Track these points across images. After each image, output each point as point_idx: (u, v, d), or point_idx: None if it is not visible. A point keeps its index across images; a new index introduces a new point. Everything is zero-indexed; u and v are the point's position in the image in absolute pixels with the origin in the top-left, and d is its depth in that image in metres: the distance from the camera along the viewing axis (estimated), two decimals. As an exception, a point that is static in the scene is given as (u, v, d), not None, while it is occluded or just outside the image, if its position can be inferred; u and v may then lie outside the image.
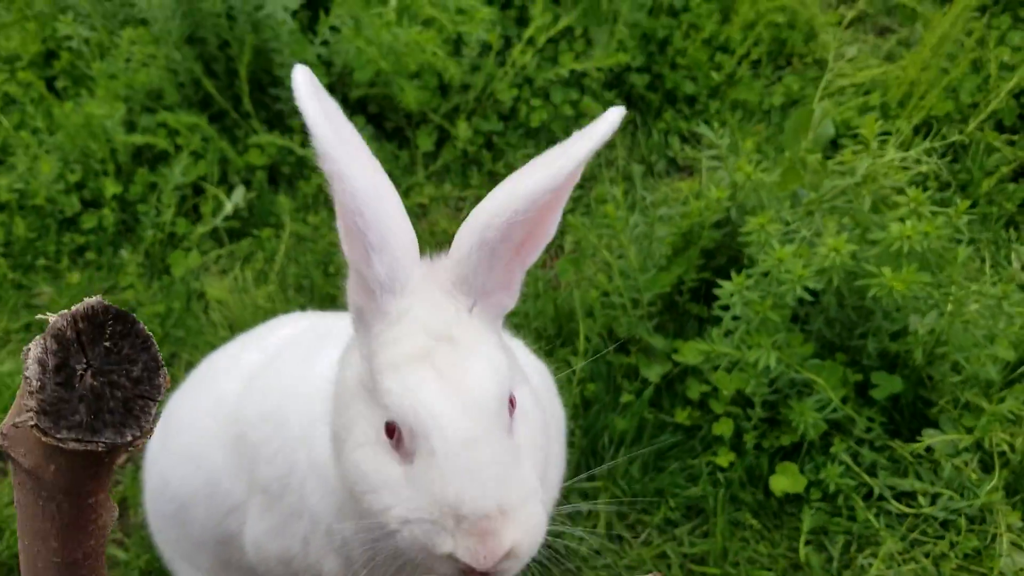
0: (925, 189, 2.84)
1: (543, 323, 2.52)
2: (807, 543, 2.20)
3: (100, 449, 0.66)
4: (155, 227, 2.75)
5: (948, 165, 2.91)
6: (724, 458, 2.30)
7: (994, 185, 2.91)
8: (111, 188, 2.76)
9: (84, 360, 0.67)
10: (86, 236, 2.81)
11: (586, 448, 2.33)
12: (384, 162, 3.01)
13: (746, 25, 3.21)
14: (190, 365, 2.55)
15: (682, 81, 3.16)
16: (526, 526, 1.16)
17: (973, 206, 2.90)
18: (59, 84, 3.11)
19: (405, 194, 2.95)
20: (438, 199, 2.94)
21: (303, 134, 2.96)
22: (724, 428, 2.31)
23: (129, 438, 0.67)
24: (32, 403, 0.64)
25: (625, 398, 2.36)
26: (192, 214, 2.88)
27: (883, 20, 3.49)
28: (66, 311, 0.67)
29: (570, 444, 2.33)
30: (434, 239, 2.83)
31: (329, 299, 2.65)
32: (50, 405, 0.65)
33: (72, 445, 0.65)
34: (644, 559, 2.22)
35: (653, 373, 2.38)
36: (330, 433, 1.34)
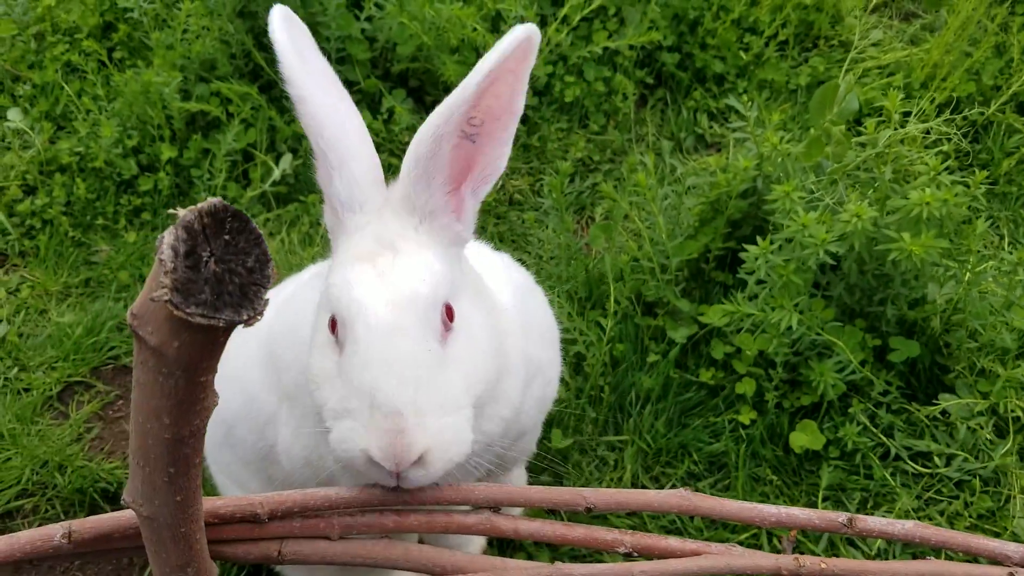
0: (946, 168, 2.95)
1: (575, 286, 2.64)
2: (824, 499, 2.31)
3: (220, 325, 0.79)
4: (207, 191, 2.89)
5: (969, 145, 3.00)
6: (746, 416, 2.41)
7: (1014, 165, 3.00)
8: (167, 153, 2.90)
9: (208, 249, 0.80)
10: (142, 198, 2.96)
11: (614, 404, 2.45)
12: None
13: (774, 7, 3.31)
14: (240, 320, 2.70)
15: (711, 60, 3.27)
16: (440, 436, 1.19)
17: (993, 185, 2.99)
18: (116, 55, 3.26)
19: (444, 164, 3.07)
20: (475, 169, 3.06)
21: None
22: (747, 387, 2.42)
23: (245, 317, 0.80)
24: (167, 281, 0.77)
25: (652, 358, 2.48)
26: (242, 179, 3.02)
27: (908, 5, 3.58)
28: (193, 207, 0.80)
29: (599, 400, 2.46)
30: (471, 206, 2.95)
31: (371, 261, 2.79)
32: (181, 284, 0.77)
33: (198, 320, 0.78)
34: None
35: (679, 334, 2.49)
36: None
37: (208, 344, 0.83)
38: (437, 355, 1.26)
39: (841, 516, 1.21)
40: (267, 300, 0.82)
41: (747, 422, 2.42)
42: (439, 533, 1.22)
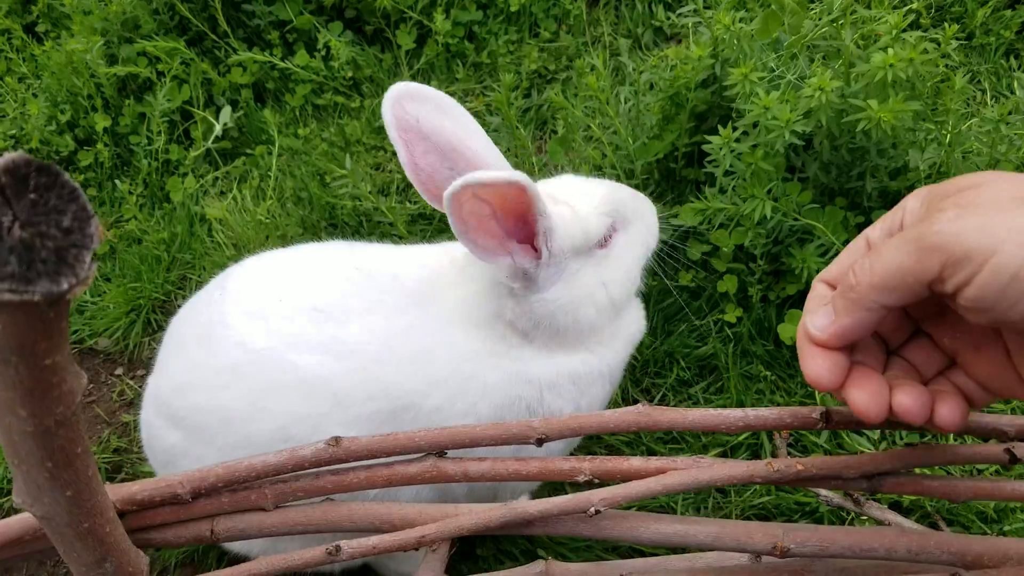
0: (918, 27, 2.78)
1: (540, 204, 2.51)
2: (823, 389, 2.21)
3: (36, 299, 0.68)
4: (149, 156, 2.76)
5: (939, 1, 2.83)
6: (731, 314, 2.31)
7: (990, 14, 2.83)
8: (101, 122, 2.77)
9: (10, 212, 0.68)
10: (84, 173, 2.84)
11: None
12: (367, 66, 3.00)
13: None
14: (199, 287, 2.60)
15: (661, -55, 3.09)
16: None
17: (969, 38, 2.83)
18: (40, 28, 3.10)
19: (392, 95, 2.93)
20: (426, 96, 2.91)
21: (284, 47, 2.95)
22: (728, 285, 2.31)
23: (65, 286, 0.69)
24: (-38, 257, 0.66)
25: (628, 268, 2.37)
26: (184, 139, 2.89)
27: None
28: (-14, 168, 0.68)
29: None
30: (425, 136, 2.81)
31: (328, 208, 2.67)
32: (-20, 258, 0.66)
33: (7, 296, 0.67)
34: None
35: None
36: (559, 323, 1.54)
37: (35, 322, 0.72)
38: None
39: (815, 411, 1.11)
40: (92, 263, 0.71)
41: (733, 320, 2.32)
42: (382, 487, 1.12)
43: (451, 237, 2.57)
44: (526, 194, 1.33)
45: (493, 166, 1.55)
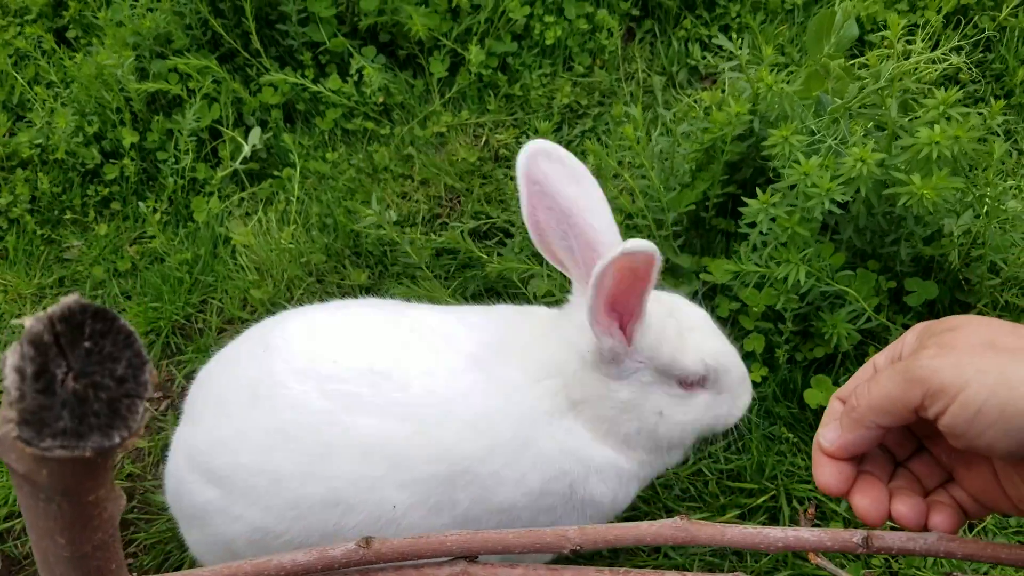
0: (957, 83, 2.74)
1: (568, 248, 2.49)
2: (844, 454, 2.19)
3: (87, 455, 0.66)
4: (175, 174, 2.74)
5: (981, 56, 2.79)
6: (756, 373, 2.28)
7: (1032, 73, 2.80)
8: (129, 137, 2.75)
9: (64, 363, 0.66)
10: (109, 187, 2.82)
11: (617, 372, 2.33)
12: (399, 93, 2.97)
13: (765, -80, 3.08)
14: (220, 312, 2.58)
15: (701, -15, 3.05)
16: None
17: (1008, 97, 2.79)
18: (70, 34, 3.08)
19: (422, 124, 2.91)
20: (456, 127, 2.89)
21: (316, 68, 2.92)
22: (755, 344, 2.28)
23: (117, 440, 0.67)
24: (12, 414, 0.63)
25: (654, 320, 2.34)
26: (211, 158, 2.87)
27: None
28: (42, 313, 0.66)
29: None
30: (453, 169, 2.79)
31: (352, 236, 2.65)
32: (31, 414, 0.64)
33: (58, 453, 0.65)
34: (680, 477, 2.23)
35: (681, 293, 2.34)
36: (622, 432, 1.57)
37: (83, 470, 0.70)
38: None
39: (856, 535, 1.09)
40: (144, 414, 0.68)
41: (758, 379, 2.29)
42: (411, 590, 1.10)
43: (474, 276, 2.56)
44: (652, 267, 1.34)
45: (605, 244, 1.53)
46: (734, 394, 1.65)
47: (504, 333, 1.59)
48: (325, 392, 1.47)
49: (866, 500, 1.06)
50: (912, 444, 1.13)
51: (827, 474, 1.08)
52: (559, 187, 1.51)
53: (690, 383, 1.57)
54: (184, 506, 1.63)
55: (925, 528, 1.06)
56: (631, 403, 1.54)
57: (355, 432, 1.46)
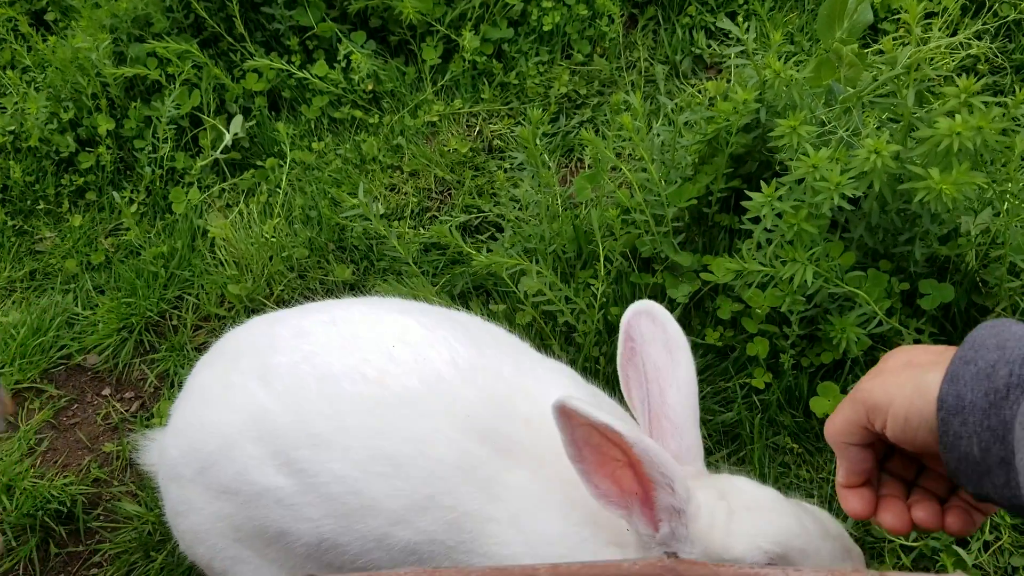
0: (976, 74, 2.60)
1: (561, 245, 2.36)
2: (852, 466, 2.06)
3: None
4: (153, 163, 2.62)
5: (1001, 45, 2.64)
6: (760, 379, 2.15)
7: (1055, 64, 2.65)
8: (104, 124, 2.63)
9: None
10: (84, 177, 2.70)
11: (611, 375, 2.19)
12: (389, 80, 2.84)
13: (774, -98, 2.94)
14: (196, 308, 2.46)
15: (706, -30, 2.92)
16: None
17: (1031, 88, 2.65)
18: (49, 16, 2.96)
19: (412, 113, 2.78)
20: (448, 117, 2.76)
21: (303, 54, 2.80)
22: (759, 348, 2.15)
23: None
24: None
25: (651, 321, 2.21)
26: (192, 147, 2.74)
27: None
28: None
29: (594, 373, 2.21)
30: (444, 160, 2.66)
31: (337, 230, 2.52)
32: None
33: None
34: None
35: (680, 293, 2.22)
36: None
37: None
38: None
39: None
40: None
41: (761, 386, 2.16)
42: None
43: (462, 273, 2.43)
44: (631, 451, 1.25)
45: (671, 420, 1.45)
46: (818, 563, 1.41)
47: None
48: (450, 441, 1.44)
49: (889, 515, 1.20)
50: (914, 465, 1.26)
51: (852, 502, 1.22)
52: (650, 350, 1.47)
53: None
54: (223, 474, 1.50)
55: (945, 529, 1.18)
56: None
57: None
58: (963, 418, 1.03)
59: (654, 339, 1.47)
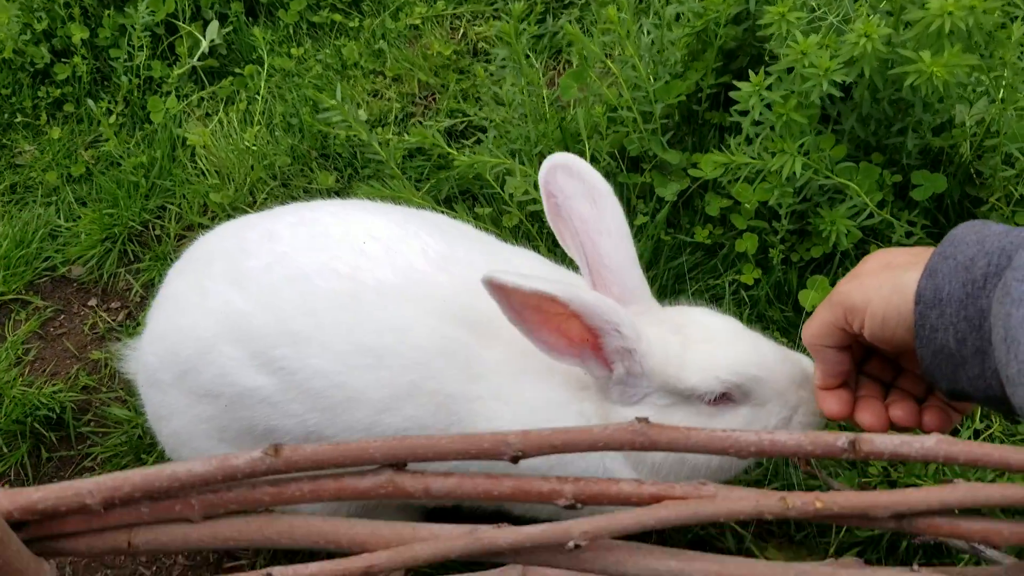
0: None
1: (548, 146, 2.31)
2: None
3: None
4: (129, 72, 2.56)
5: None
6: (749, 275, 2.13)
7: (1055, -50, 2.56)
8: (78, 33, 2.57)
9: None
10: (61, 88, 2.64)
11: (600, 276, 2.17)
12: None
13: None
14: (179, 218, 2.43)
15: None
16: None
17: (1031, -24, 2.56)
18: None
19: (394, 15, 2.71)
20: (431, 19, 2.69)
21: (279, -44, 2.71)
22: (748, 244, 2.12)
23: None
24: None
25: (639, 220, 2.18)
26: (168, 55, 2.68)
27: None
28: None
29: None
30: (428, 64, 2.60)
31: (320, 137, 2.47)
32: None
33: None
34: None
35: (668, 191, 2.18)
36: None
37: None
38: None
39: (840, 438, 0.94)
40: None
41: (750, 282, 2.13)
42: (329, 501, 0.96)
43: (448, 178, 2.38)
44: (566, 308, 1.26)
45: (611, 270, 1.44)
46: (783, 398, 1.39)
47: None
48: (432, 329, 1.42)
49: (867, 414, 1.22)
50: (892, 367, 1.29)
51: (829, 403, 1.25)
52: (573, 207, 1.46)
53: (714, 400, 1.38)
54: (202, 377, 1.49)
55: (920, 427, 1.20)
56: None
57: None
58: (940, 310, 1.04)
59: (575, 193, 1.46)
